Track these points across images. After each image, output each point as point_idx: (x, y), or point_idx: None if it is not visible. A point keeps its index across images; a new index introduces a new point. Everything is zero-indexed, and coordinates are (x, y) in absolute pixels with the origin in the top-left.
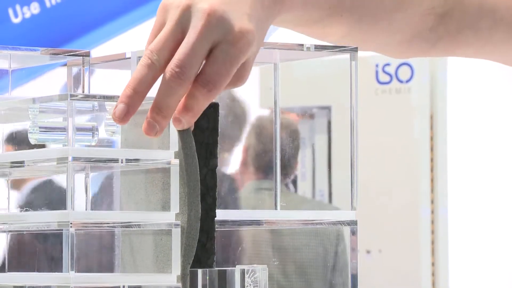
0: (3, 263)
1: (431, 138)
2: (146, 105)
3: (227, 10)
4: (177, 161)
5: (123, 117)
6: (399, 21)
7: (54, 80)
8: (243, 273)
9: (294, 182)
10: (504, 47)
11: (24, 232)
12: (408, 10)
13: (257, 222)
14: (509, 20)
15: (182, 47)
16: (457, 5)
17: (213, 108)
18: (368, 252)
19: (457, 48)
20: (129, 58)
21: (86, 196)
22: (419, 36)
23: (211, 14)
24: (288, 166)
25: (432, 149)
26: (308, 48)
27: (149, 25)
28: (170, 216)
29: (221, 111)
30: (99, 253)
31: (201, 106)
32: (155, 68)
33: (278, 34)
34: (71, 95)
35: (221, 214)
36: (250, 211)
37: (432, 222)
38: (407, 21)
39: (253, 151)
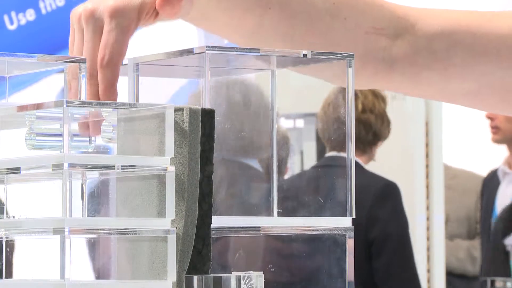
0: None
1: (426, 145)
2: (142, 111)
3: (98, 2)
4: (173, 168)
5: None
6: (337, 31)
7: (51, 87)
8: (238, 279)
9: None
10: (466, 70)
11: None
12: (348, 21)
13: (254, 229)
14: (467, 42)
15: (84, 50)
16: (408, 28)
17: (209, 114)
18: None
19: (419, 71)
20: (126, 64)
21: (82, 202)
22: (372, 54)
23: (86, 12)
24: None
25: (427, 156)
26: (305, 55)
27: (145, 32)
28: (166, 223)
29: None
30: (95, 259)
31: (111, 80)
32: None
33: None
34: (67, 102)
35: (217, 221)
36: (246, 217)
37: (428, 228)
38: (349, 35)
39: None
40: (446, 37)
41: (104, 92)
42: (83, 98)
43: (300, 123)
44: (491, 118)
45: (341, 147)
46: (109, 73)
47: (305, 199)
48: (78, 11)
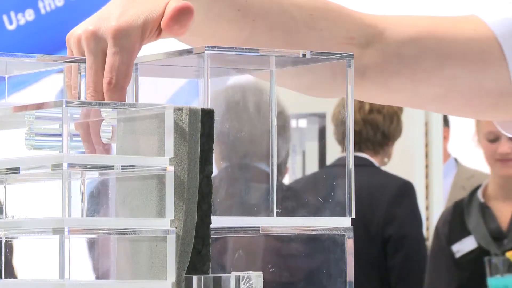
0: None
1: (426, 145)
2: (141, 111)
3: (100, 22)
4: (172, 168)
5: None
6: (314, 42)
7: (50, 87)
8: (238, 279)
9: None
10: (434, 75)
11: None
12: (324, 32)
13: (253, 229)
14: (434, 47)
15: (87, 73)
16: (376, 36)
17: (209, 114)
18: None
19: (389, 78)
20: None
21: (82, 202)
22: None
23: (88, 33)
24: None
25: (427, 156)
26: (304, 55)
27: None
28: (165, 223)
29: (217, 118)
30: (94, 259)
31: (114, 98)
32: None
33: None
34: (67, 102)
35: (216, 221)
36: (245, 217)
37: (427, 228)
38: (325, 46)
39: None
40: (414, 43)
41: None
42: (82, 98)
43: (302, 123)
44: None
45: (355, 147)
46: (116, 96)
47: (309, 198)
48: (76, 33)
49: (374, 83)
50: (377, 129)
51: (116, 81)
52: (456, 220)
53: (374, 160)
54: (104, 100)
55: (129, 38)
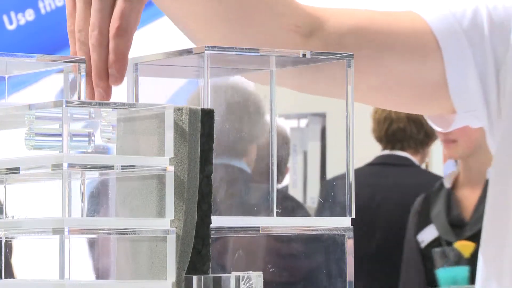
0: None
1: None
2: (141, 111)
3: None
4: (172, 168)
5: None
6: (269, 21)
7: (50, 87)
8: (238, 279)
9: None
10: (375, 64)
11: (19, 239)
12: (282, 18)
13: (253, 229)
14: (375, 38)
15: (91, 13)
16: (319, 26)
17: (209, 114)
18: None
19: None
20: None
21: (82, 202)
22: None
23: None
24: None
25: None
26: (304, 55)
27: (144, 32)
28: (165, 223)
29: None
30: (94, 259)
31: (124, 50)
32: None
33: None
34: (67, 102)
35: (216, 221)
36: (246, 217)
37: None
38: (276, 29)
39: None
40: (354, 34)
41: (116, 62)
42: (83, 97)
43: (303, 123)
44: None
45: (394, 145)
46: (123, 43)
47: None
48: None
49: (320, 73)
50: (421, 127)
51: (126, 26)
52: (424, 209)
53: (415, 159)
54: (107, 44)
55: None
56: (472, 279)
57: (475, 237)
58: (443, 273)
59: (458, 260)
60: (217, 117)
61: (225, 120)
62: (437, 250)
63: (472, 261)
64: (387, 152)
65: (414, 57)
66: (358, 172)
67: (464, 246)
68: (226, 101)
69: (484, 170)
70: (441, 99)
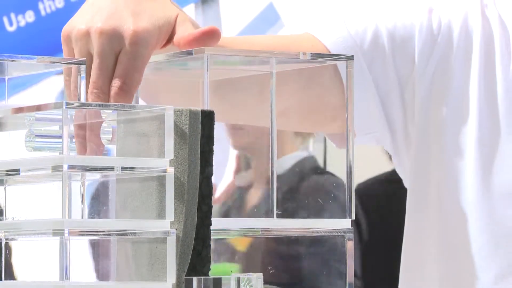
0: None
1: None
2: (141, 113)
3: (114, 22)
4: (172, 169)
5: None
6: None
7: (50, 88)
8: (238, 281)
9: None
10: (280, 90)
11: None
12: None
13: (253, 230)
14: None
15: (92, 70)
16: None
17: (208, 116)
18: None
19: (239, 95)
20: None
21: (82, 204)
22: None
23: (102, 32)
24: None
25: None
26: (304, 55)
27: None
28: (165, 224)
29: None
30: (95, 261)
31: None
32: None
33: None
34: (67, 103)
35: (216, 222)
36: (246, 219)
37: None
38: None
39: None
40: None
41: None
42: (82, 99)
43: None
44: None
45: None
46: (125, 102)
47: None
48: (81, 29)
49: (223, 100)
50: None
51: (128, 87)
52: None
53: None
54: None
55: (146, 45)
56: None
57: None
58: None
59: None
60: None
61: None
62: None
63: None
64: None
65: (314, 82)
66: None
67: None
68: None
69: None
70: (340, 121)
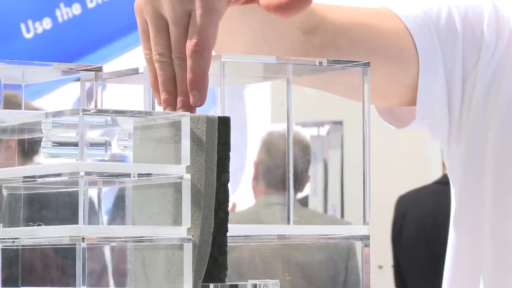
0: (16, 278)
1: (443, 153)
2: (158, 119)
3: None
4: (189, 176)
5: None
6: (279, 25)
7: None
8: (255, 287)
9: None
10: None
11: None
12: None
13: (270, 237)
14: (364, 39)
15: (171, 35)
16: (320, 23)
17: (225, 122)
18: (380, 267)
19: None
20: (142, 73)
21: (99, 210)
22: (292, 50)
23: None
24: (300, 181)
25: (444, 164)
26: (320, 63)
27: None
28: (182, 231)
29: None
30: (111, 267)
31: (203, 67)
32: (168, 64)
33: None
34: (83, 110)
35: (233, 229)
36: (262, 225)
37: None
38: (286, 24)
39: (264, 166)
40: (347, 34)
41: (196, 80)
42: (99, 105)
43: (323, 131)
44: None
45: None
46: (203, 60)
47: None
48: None
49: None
50: None
51: (205, 43)
52: None
53: None
54: (187, 65)
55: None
56: None
57: None
58: None
59: None
60: None
61: None
62: None
63: None
64: None
65: (396, 60)
66: (424, 189)
67: None
68: None
69: None
70: (403, 97)
